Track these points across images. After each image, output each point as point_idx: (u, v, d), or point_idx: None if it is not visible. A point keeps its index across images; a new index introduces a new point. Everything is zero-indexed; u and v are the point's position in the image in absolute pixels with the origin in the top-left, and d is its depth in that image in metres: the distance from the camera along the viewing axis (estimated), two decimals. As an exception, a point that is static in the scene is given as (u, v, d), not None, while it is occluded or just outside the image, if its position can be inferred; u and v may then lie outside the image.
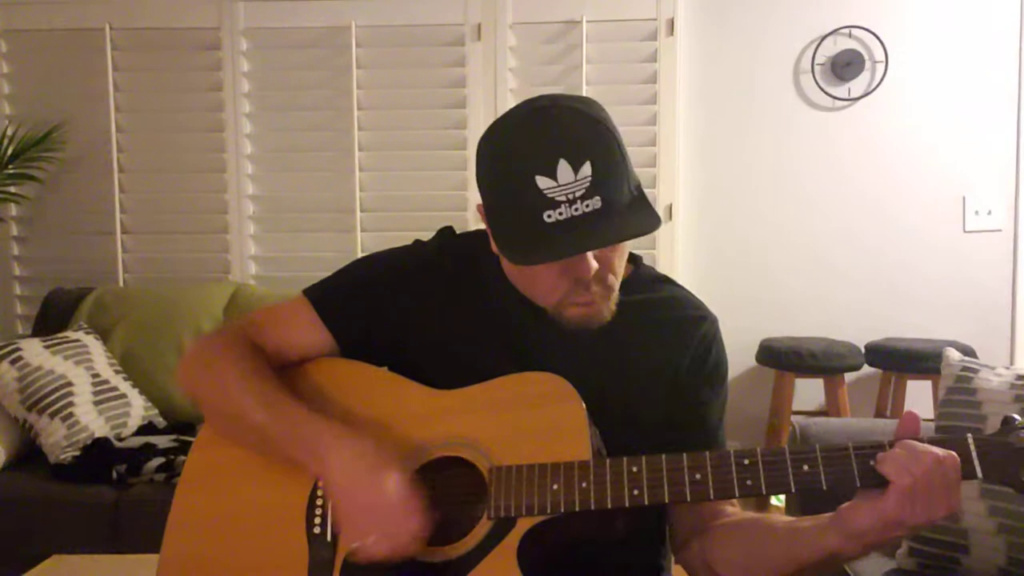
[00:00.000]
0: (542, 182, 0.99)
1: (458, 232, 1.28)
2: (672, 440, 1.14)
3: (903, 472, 0.91)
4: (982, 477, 0.92)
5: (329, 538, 1.08)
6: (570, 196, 0.99)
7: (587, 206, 1.00)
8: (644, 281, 1.22)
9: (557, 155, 0.99)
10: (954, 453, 0.91)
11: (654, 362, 1.18)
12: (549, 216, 1.00)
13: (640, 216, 1.04)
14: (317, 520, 1.10)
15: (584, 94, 2.46)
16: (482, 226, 1.16)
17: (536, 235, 1.01)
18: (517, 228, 1.04)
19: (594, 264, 1.05)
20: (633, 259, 1.25)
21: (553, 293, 1.10)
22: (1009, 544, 1.62)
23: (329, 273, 1.28)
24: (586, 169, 1.00)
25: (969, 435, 0.93)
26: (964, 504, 1.66)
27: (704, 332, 1.20)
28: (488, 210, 1.10)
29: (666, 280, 1.26)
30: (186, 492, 1.19)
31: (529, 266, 1.06)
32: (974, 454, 0.92)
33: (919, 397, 3.08)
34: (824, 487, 0.95)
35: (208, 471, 1.19)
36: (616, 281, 1.12)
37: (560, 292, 1.09)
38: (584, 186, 0.99)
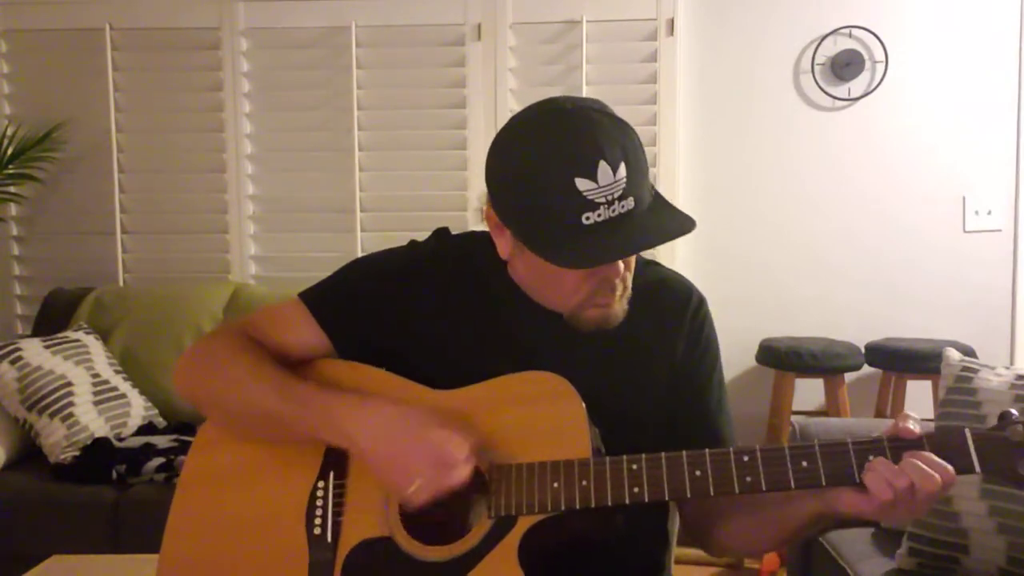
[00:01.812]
0: (582, 184, 0.99)
1: (454, 233, 1.28)
2: (673, 426, 1.15)
3: (885, 488, 0.92)
4: (980, 471, 0.92)
5: (329, 539, 1.08)
6: (608, 197, 1.00)
7: (623, 207, 1.01)
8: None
9: (597, 157, 1.00)
10: (949, 469, 0.91)
11: (651, 349, 1.18)
12: (588, 218, 1.00)
13: (671, 214, 1.05)
14: (317, 521, 1.10)
15: (584, 94, 2.46)
16: (478, 227, 1.16)
17: (577, 238, 1.01)
18: (555, 231, 1.02)
19: (622, 268, 1.07)
20: None
21: (575, 295, 1.10)
22: (1009, 544, 1.62)
23: (328, 273, 1.28)
24: (623, 170, 1.00)
25: (967, 429, 0.94)
26: (964, 504, 1.66)
27: (694, 312, 1.22)
28: (511, 215, 1.08)
29: (650, 263, 1.27)
30: (185, 494, 1.19)
31: (560, 269, 1.06)
32: (972, 449, 0.92)
33: (919, 397, 3.07)
34: (823, 483, 0.95)
35: (207, 473, 1.19)
36: (631, 279, 1.13)
37: (583, 294, 1.10)
38: (622, 187, 1.00)
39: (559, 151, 1.01)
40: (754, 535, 1.12)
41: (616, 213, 1.00)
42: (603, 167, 0.99)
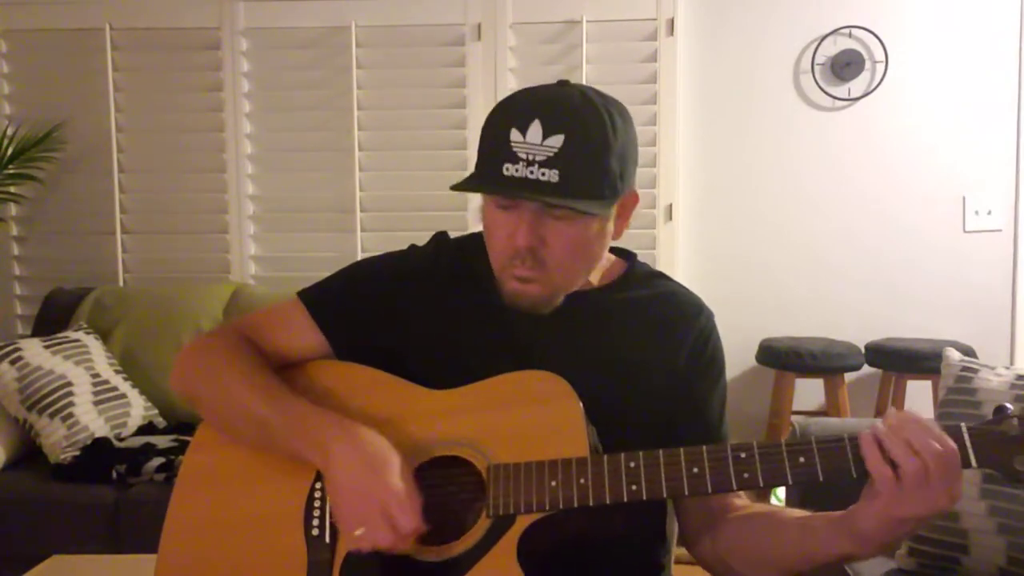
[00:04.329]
0: (514, 135, 1.03)
1: (454, 236, 1.29)
2: (672, 437, 1.14)
3: (880, 464, 0.91)
4: (976, 466, 0.92)
5: (328, 540, 1.08)
6: (529, 157, 1.02)
7: (543, 174, 1.02)
8: (639, 277, 1.22)
9: (535, 114, 1.03)
10: (953, 444, 0.91)
11: (651, 358, 1.18)
12: (507, 168, 1.03)
13: (581, 203, 1.04)
14: (315, 522, 1.09)
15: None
16: (478, 228, 1.17)
17: (487, 179, 1.05)
18: (480, 169, 1.08)
19: (523, 236, 1.06)
20: (627, 256, 1.25)
21: (498, 258, 1.12)
22: (1009, 544, 1.62)
23: (328, 273, 1.28)
24: (556, 140, 1.02)
25: (963, 424, 0.94)
26: (964, 504, 1.66)
27: (701, 326, 1.20)
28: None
29: (661, 276, 1.27)
30: (183, 495, 1.18)
31: (483, 223, 1.12)
32: (968, 443, 0.93)
33: (919, 397, 3.07)
34: (820, 479, 0.95)
35: (205, 474, 1.19)
36: (558, 268, 1.11)
37: (503, 259, 1.11)
38: (547, 154, 1.02)
39: (514, 103, 1.07)
40: (764, 565, 1.10)
41: (533, 176, 1.02)
42: (535, 126, 1.02)
